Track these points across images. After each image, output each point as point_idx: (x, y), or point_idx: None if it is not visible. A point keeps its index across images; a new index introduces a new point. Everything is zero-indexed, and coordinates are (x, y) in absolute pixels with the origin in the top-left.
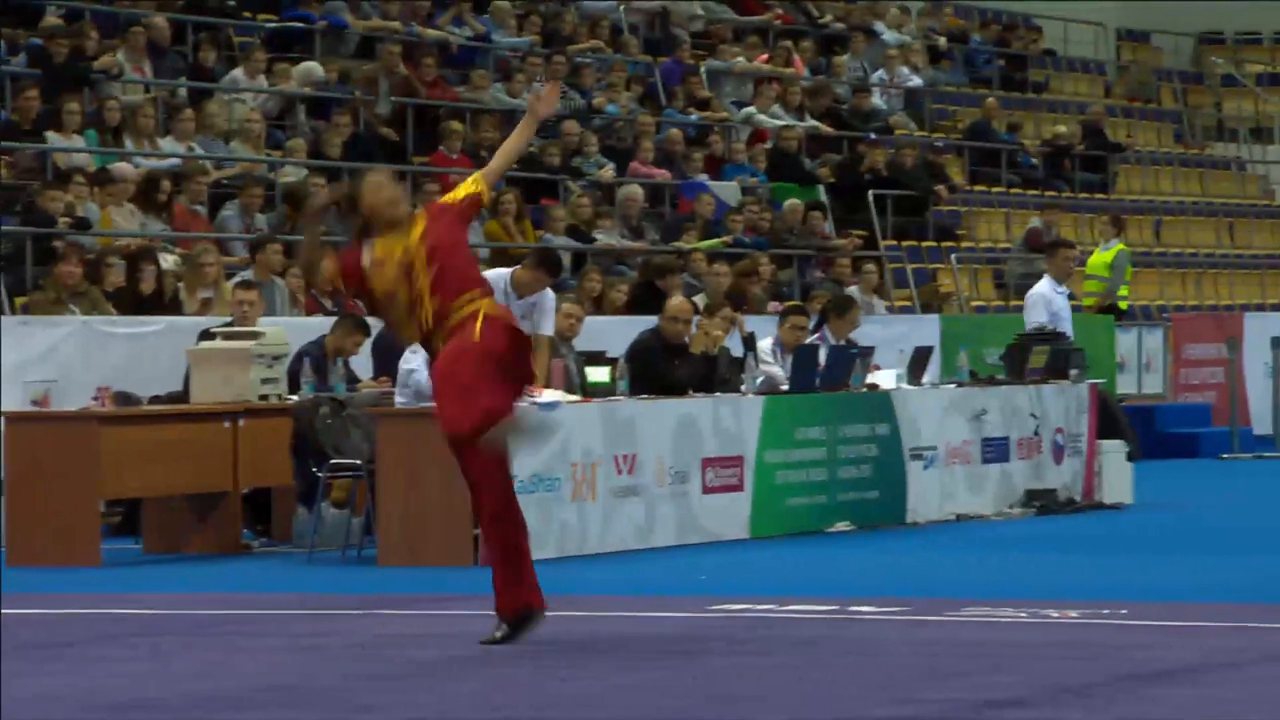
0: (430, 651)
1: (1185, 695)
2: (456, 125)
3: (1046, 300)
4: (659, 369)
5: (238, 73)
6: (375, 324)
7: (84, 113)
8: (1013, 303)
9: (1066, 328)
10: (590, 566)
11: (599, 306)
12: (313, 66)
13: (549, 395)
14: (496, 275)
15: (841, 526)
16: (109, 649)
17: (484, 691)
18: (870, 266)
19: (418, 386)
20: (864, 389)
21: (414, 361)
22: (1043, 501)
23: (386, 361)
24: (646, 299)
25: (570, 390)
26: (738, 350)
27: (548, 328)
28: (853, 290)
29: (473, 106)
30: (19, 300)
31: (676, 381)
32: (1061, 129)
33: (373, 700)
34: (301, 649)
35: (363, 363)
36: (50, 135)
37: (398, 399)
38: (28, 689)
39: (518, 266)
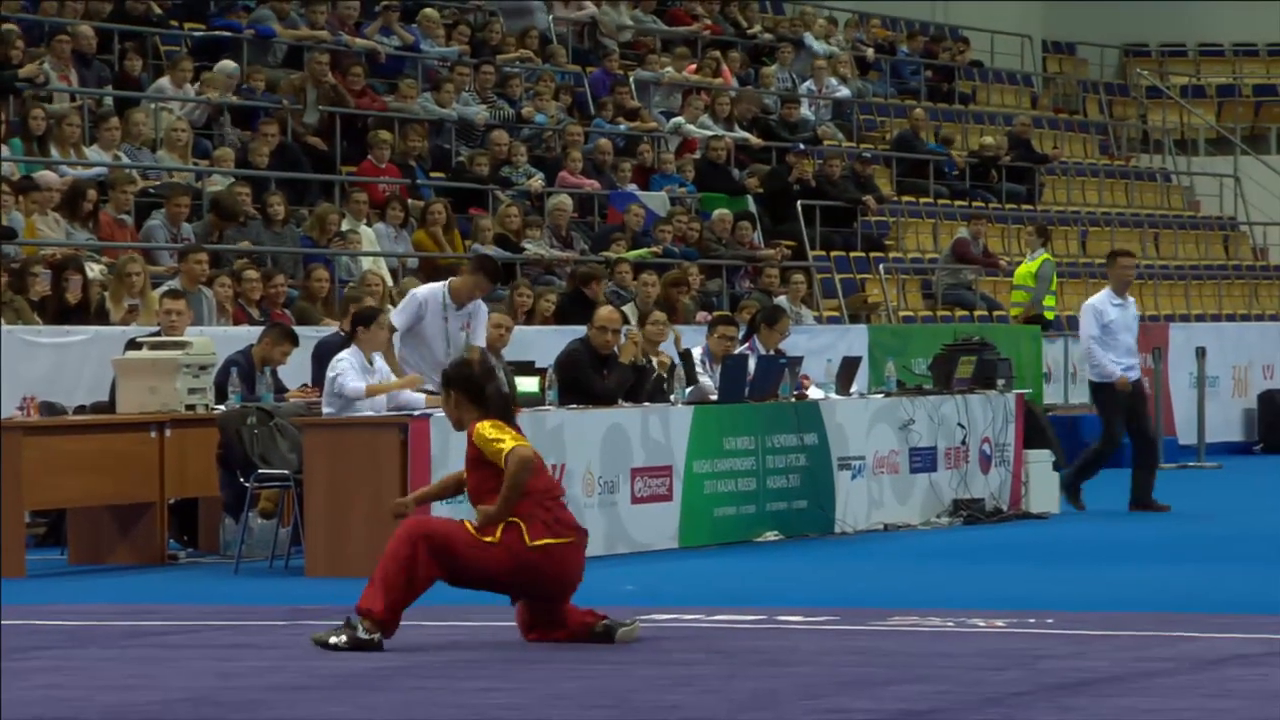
0: (353, 663)
1: (1110, 705)
2: (385, 135)
3: (1098, 312)
4: (588, 379)
5: (164, 81)
6: (311, 333)
7: (8, 121)
8: (940, 313)
9: (1127, 340)
10: None
11: (529, 317)
12: (228, 64)
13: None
14: (429, 291)
15: (770, 536)
16: (31, 660)
17: (405, 703)
18: (799, 276)
19: (341, 389)
20: (792, 399)
21: (339, 367)
22: (970, 511)
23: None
24: (575, 309)
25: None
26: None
27: (480, 338)
28: (781, 300)
29: (401, 116)
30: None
31: (605, 391)
32: (988, 140)
33: (293, 712)
34: (226, 660)
35: (291, 372)
36: None
37: (326, 408)
38: None
39: (453, 278)
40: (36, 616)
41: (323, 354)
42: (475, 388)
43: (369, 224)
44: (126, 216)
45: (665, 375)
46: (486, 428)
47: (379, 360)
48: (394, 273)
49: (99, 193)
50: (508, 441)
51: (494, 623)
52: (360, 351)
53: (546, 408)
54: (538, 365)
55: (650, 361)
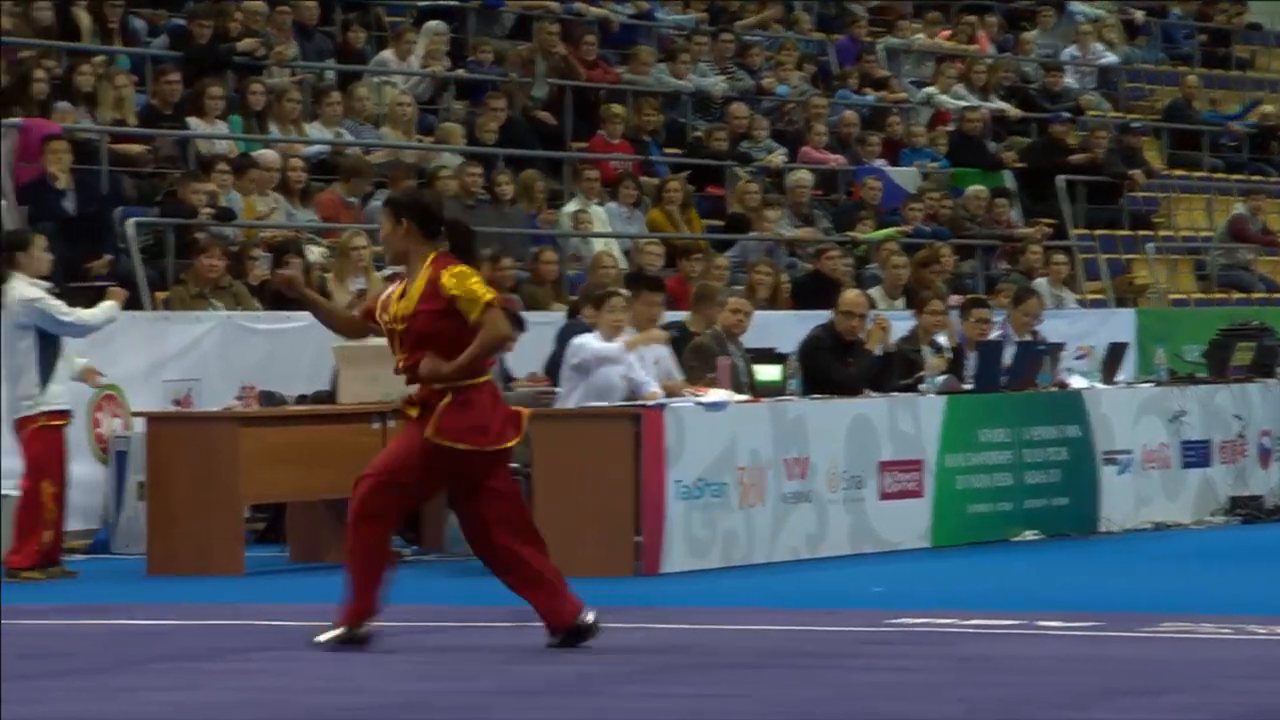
0: (579, 667)
1: None
2: (617, 109)
3: None
4: (831, 367)
5: (387, 54)
6: (539, 319)
7: (226, 97)
8: (1214, 295)
9: None
10: (758, 576)
11: (771, 301)
12: (435, 24)
13: (715, 395)
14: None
15: (1028, 535)
16: (249, 662)
17: (629, 708)
18: (1060, 257)
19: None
20: (1052, 388)
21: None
22: (1247, 509)
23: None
24: (816, 292)
25: (738, 389)
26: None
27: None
28: (1040, 283)
29: (634, 88)
30: (159, 295)
31: (850, 380)
32: (1268, 109)
33: (509, 717)
34: (443, 662)
35: (519, 359)
36: (192, 121)
37: (564, 387)
38: (150, 703)
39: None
40: (254, 616)
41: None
42: (432, 217)
43: (600, 203)
44: (354, 199)
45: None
46: (471, 273)
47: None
48: (627, 254)
49: (320, 171)
50: (490, 295)
51: (739, 626)
52: (601, 333)
53: (788, 397)
54: (778, 352)
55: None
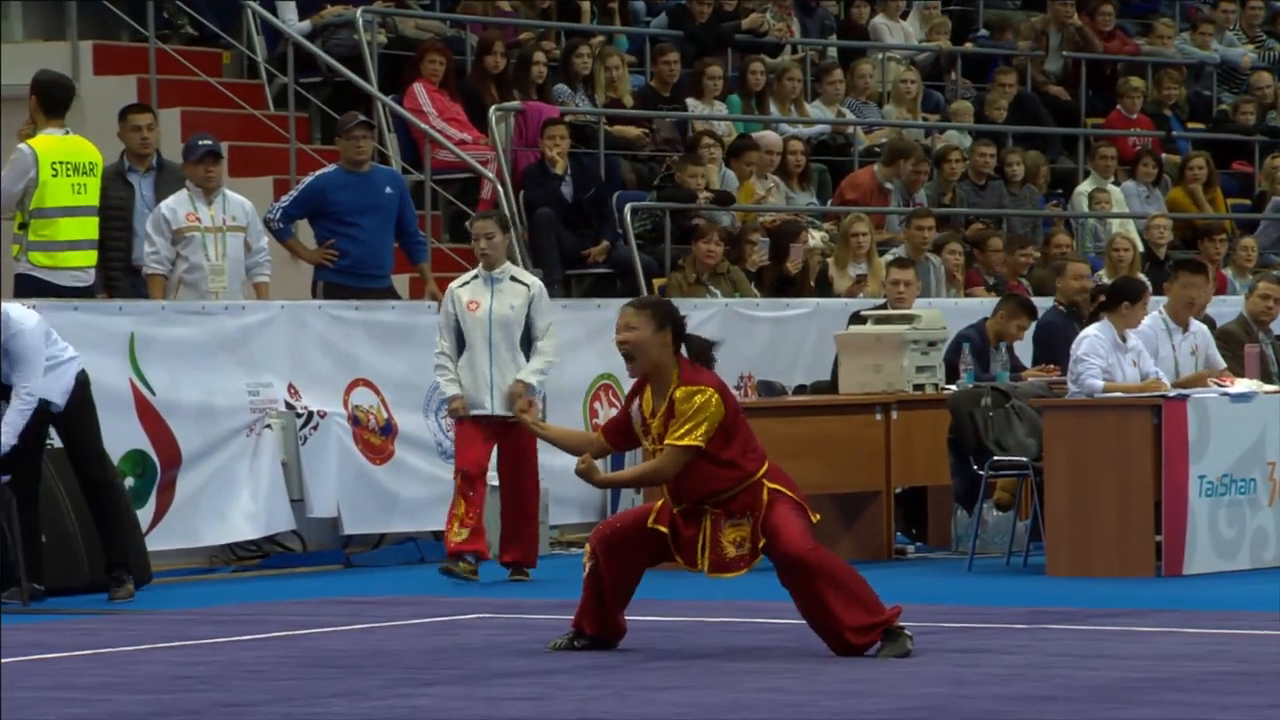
0: (1101, 673)
1: None
2: (1137, 81)
3: None
4: None
5: (879, 21)
6: (1037, 304)
7: (726, 77)
8: None
9: None
10: None
11: None
12: None
13: (1242, 385)
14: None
15: None
16: (760, 662)
17: (1169, 717)
18: None
19: (1080, 382)
20: None
21: (1085, 347)
22: None
23: (1050, 347)
24: None
25: (1267, 379)
26: None
27: None
28: None
29: (1155, 60)
30: (657, 281)
31: None
32: None
33: None
34: (961, 665)
35: (1029, 348)
36: (691, 102)
37: (1071, 388)
38: (668, 704)
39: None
40: (757, 614)
41: (1045, 337)
42: (682, 327)
43: (1117, 182)
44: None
45: None
46: (701, 397)
47: (1133, 338)
48: (1144, 236)
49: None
50: (699, 436)
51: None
52: (1112, 327)
53: None
54: None
55: None
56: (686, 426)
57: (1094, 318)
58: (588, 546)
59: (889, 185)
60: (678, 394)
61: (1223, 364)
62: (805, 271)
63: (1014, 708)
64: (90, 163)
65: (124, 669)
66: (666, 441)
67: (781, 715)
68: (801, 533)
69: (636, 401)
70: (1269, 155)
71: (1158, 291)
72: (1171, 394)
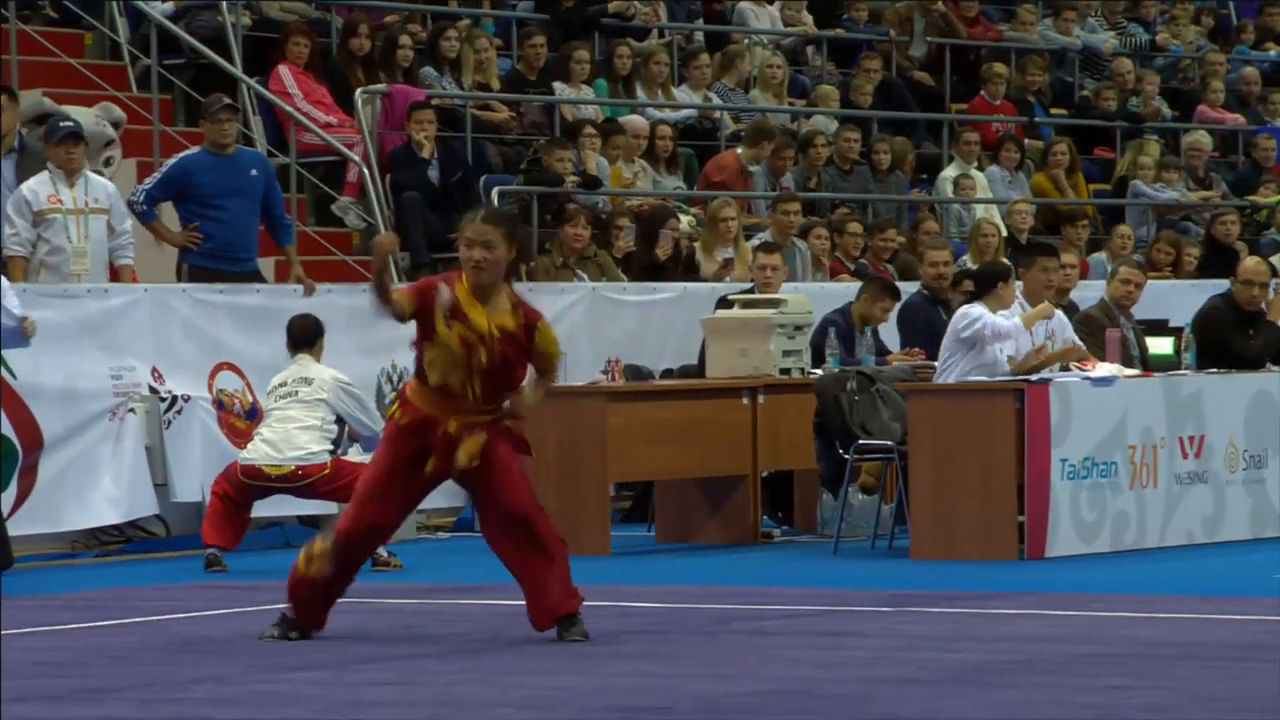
0: (963, 655)
1: None
2: (1000, 68)
3: None
4: (1230, 339)
5: (744, 6)
6: (903, 289)
7: (593, 61)
8: None
9: None
10: (1149, 561)
11: (1175, 270)
12: None
13: (1103, 369)
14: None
15: None
16: (616, 645)
17: (1025, 701)
18: None
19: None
20: None
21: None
22: None
23: (914, 331)
24: (1215, 261)
25: (1128, 364)
26: None
27: None
28: None
29: (1019, 46)
30: (523, 266)
31: (1251, 354)
32: None
33: (899, 709)
34: (824, 649)
35: (893, 331)
36: (558, 86)
37: (955, 368)
38: (534, 687)
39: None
40: (621, 598)
41: (908, 317)
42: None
43: (981, 167)
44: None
45: None
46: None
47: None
48: (1006, 222)
49: (682, 136)
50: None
51: (1130, 614)
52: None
53: (1183, 372)
54: (1172, 324)
55: None
56: (555, 347)
57: (968, 302)
58: (326, 562)
59: (753, 168)
60: (547, 335)
61: (1082, 345)
62: (673, 256)
63: (876, 690)
64: None
65: None
66: (553, 353)
67: (646, 699)
68: (530, 493)
69: (448, 290)
70: (1129, 140)
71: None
72: (1033, 378)
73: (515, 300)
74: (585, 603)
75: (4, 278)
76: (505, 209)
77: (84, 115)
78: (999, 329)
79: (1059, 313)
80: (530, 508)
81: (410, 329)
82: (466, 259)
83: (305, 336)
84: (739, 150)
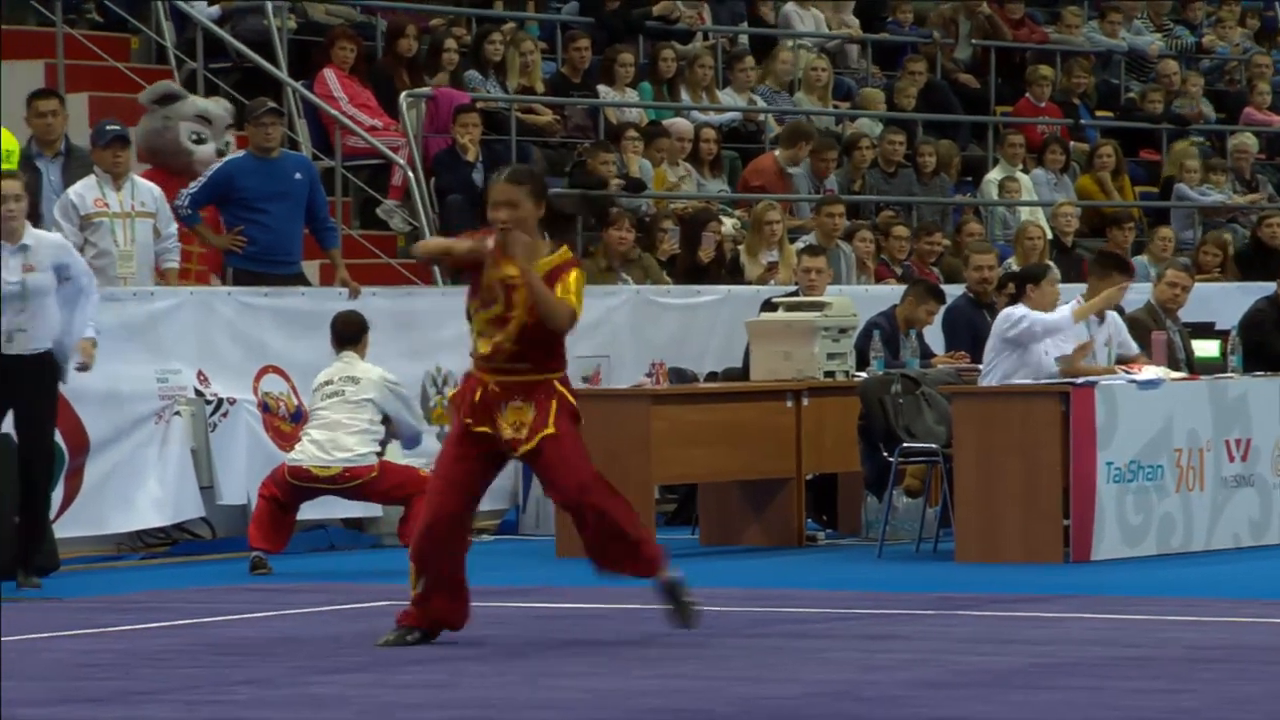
0: (1007, 659)
1: None
2: (1045, 70)
3: None
4: (1276, 341)
5: (790, 8)
6: (948, 292)
7: (637, 64)
8: None
9: None
10: (1195, 565)
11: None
12: None
13: (1149, 372)
14: None
15: None
16: (664, 649)
17: (1061, 703)
18: None
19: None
20: None
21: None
22: None
23: (958, 334)
24: (1258, 262)
25: (1174, 366)
26: None
27: None
28: None
29: (1064, 48)
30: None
31: None
32: None
33: (939, 711)
34: (867, 652)
35: (938, 334)
36: (601, 89)
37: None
38: (571, 689)
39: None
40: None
41: (953, 320)
42: (552, 200)
43: (1026, 170)
44: (795, 168)
45: None
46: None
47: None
48: (1051, 224)
49: (726, 140)
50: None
51: (1178, 617)
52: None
53: (1229, 375)
54: (1218, 327)
55: None
56: (575, 297)
57: (1012, 304)
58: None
59: (791, 170)
60: (566, 276)
61: (1137, 350)
62: (717, 259)
63: (918, 693)
64: (8, 150)
65: (29, 656)
66: (568, 300)
67: (688, 701)
68: (578, 478)
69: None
70: (1174, 142)
71: (1066, 279)
72: (1079, 381)
73: (558, 258)
74: (621, 606)
75: (94, 293)
76: (529, 166)
77: (206, 101)
78: (1049, 324)
79: (1113, 315)
80: (578, 496)
81: (453, 333)
82: (494, 220)
83: (350, 334)
84: (776, 153)
